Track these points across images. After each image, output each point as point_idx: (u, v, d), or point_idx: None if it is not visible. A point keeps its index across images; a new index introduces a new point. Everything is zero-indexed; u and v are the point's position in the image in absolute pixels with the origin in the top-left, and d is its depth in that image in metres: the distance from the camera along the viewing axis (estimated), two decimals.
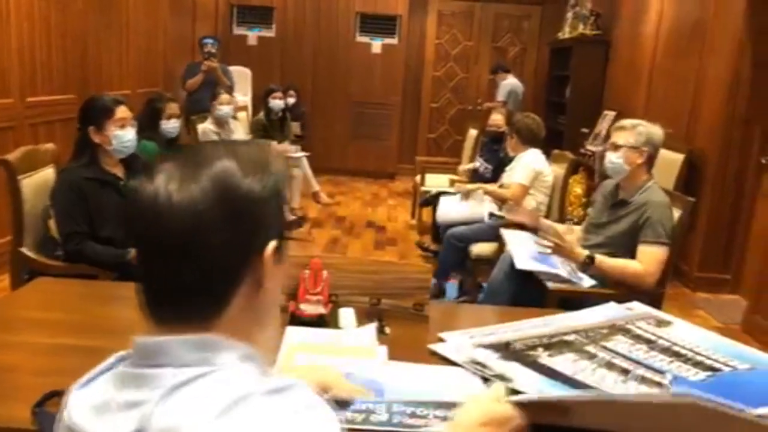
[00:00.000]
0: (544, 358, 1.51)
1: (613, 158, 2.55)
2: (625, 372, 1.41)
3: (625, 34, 6.10)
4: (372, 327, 1.59)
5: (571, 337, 1.64)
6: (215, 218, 0.69)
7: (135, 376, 0.69)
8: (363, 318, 1.65)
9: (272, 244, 0.73)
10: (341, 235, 5.38)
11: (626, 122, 2.64)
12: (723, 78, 4.19)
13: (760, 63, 4.04)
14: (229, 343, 0.70)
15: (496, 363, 1.47)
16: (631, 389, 1.32)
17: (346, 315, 1.64)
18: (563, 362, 1.47)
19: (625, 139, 2.53)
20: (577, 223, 4.23)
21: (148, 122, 3.28)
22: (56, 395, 1.18)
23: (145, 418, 0.65)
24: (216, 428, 0.63)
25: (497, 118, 4.44)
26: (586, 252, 2.48)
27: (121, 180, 2.47)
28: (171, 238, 0.68)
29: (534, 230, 2.90)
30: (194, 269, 0.69)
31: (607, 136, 5.88)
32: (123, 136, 2.46)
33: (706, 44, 4.44)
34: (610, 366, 1.45)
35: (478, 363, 1.48)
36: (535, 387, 1.34)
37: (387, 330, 1.60)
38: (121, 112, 2.48)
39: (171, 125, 3.45)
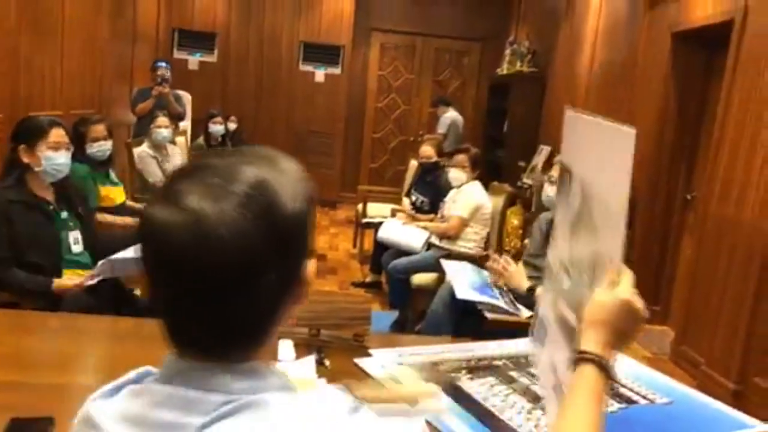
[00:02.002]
0: (464, 381, 1.55)
1: (550, 192, 2.62)
2: (536, 399, 1.45)
3: (559, 72, 6.35)
4: (311, 359, 1.56)
5: (499, 362, 1.68)
6: (268, 250, 0.65)
7: (177, 398, 0.66)
8: (302, 350, 1.62)
9: (311, 264, 0.72)
10: None
11: None
12: (651, 117, 4.40)
13: (684, 103, 4.27)
14: (271, 370, 0.70)
15: (412, 382, 1.48)
16: (531, 420, 1.38)
17: (285, 347, 1.61)
18: (479, 386, 1.53)
19: None
20: (515, 256, 4.32)
21: (75, 146, 3.18)
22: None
23: None
24: None
25: (427, 150, 4.49)
26: (529, 284, 2.52)
27: (51, 205, 2.37)
28: (218, 273, 0.63)
29: (475, 262, 2.94)
30: (245, 304, 0.66)
31: (544, 170, 6.08)
32: (55, 158, 2.37)
33: (635, 84, 4.66)
34: (524, 392, 1.49)
35: (396, 381, 1.49)
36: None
37: (327, 362, 1.57)
38: (57, 134, 2.39)
39: (97, 148, 3.33)
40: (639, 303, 0.92)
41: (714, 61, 3.99)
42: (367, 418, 0.69)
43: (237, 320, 0.66)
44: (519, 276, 2.56)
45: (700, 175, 3.70)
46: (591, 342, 0.91)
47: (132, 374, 0.73)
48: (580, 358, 0.91)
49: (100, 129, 3.32)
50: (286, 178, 0.69)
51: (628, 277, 0.93)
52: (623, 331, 0.91)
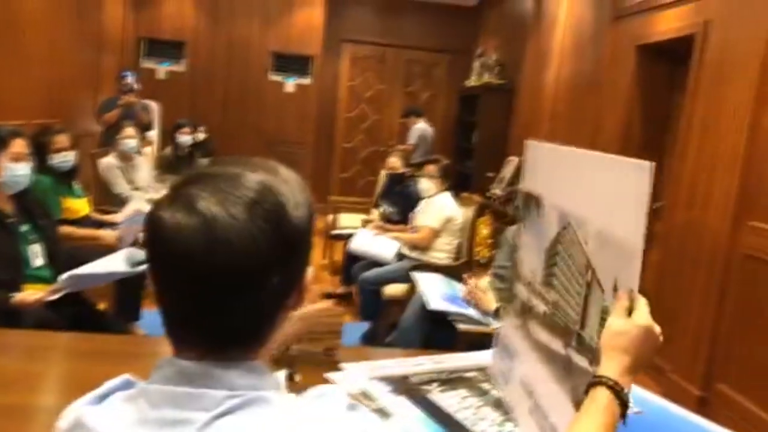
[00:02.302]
0: (435, 393, 1.55)
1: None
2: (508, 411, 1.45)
3: (527, 84, 6.43)
4: (281, 374, 1.54)
5: (470, 374, 1.68)
6: (273, 255, 0.67)
7: (181, 395, 0.67)
8: (271, 365, 1.58)
9: (310, 271, 0.75)
10: None
11: None
12: (617, 128, 4.47)
13: (649, 115, 4.36)
14: (269, 371, 0.72)
15: (383, 396, 1.48)
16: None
17: None
18: (451, 399, 1.53)
19: None
20: (485, 265, 4.33)
21: (35, 157, 3.10)
22: None
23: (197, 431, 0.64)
24: None
25: (394, 161, 4.50)
26: (495, 305, 2.53)
27: (9, 218, 2.30)
28: (225, 277, 0.66)
29: (447, 272, 2.94)
30: (249, 307, 0.68)
31: (514, 180, 6.13)
32: (15, 170, 2.32)
33: (601, 95, 4.74)
34: (496, 404, 1.49)
35: (366, 395, 1.47)
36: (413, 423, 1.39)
37: (297, 377, 1.55)
38: (18, 145, 2.34)
39: (59, 159, 3.25)
40: (657, 328, 0.93)
41: (677, 74, 4.08)
42: (366, 416, 0.71)
43: (241, 321, 0.69)
44: (487, 300, 2.57)
45: (666, 184, 3.76)
46: (610, 369, 0.91)
47: (113, 382, 0.74)
48: (596, 382, 0.91)
49: (62, 139, 3.24)
50: (289, 186, 0.72)
51: (644, 303, 0.94)
52: (643, 357, 0.92)
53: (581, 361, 1.07)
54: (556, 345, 1.20)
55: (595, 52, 4.89)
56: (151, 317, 3.44)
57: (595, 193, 1.07)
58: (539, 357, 1.30)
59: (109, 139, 5.01)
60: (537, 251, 1.35)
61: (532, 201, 1.41)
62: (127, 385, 0.74)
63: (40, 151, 3.10)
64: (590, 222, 1.07)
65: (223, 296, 0.67)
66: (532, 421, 1.28)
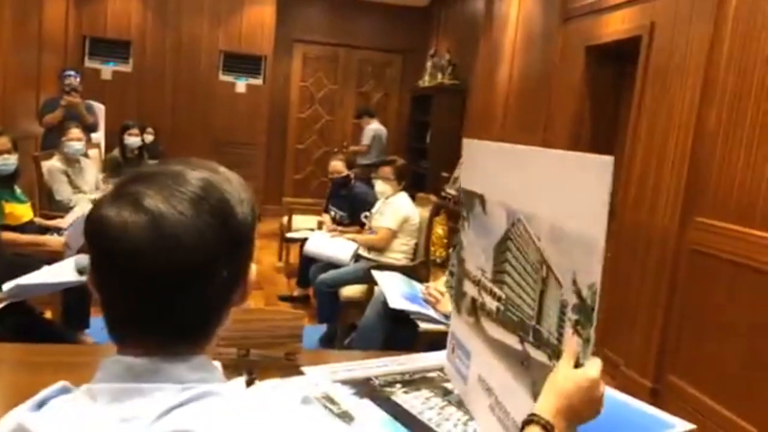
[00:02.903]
0: (399, 395, 1.54)
1: None
2: None
3: (480, 84, 6.50)
4: (241, 381, 1.49)
5: (433, 374, 1.67)
6: (220, 250, 0.68)
7: (130, 391, 0.66)
8: (230, 371, 1.54)
9: (254, 267, 0.76)
10: None
11: None
12: (567, 127, 4.56)
13: (598, 114, 4.46)
14: (215, 365, 0.73)
15: (347, 399, 1.46)
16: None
17: None
18: (415, 399, 1.52)
19: None
20: (440, 264, 4.35)
21: None
22: None
23: (149, 426, 0.63)
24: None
25: (337, 164, 4.47)
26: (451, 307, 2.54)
27: None
28: (174, 272, 0.66)
29: (404, 273, 2.93)
30: (196, 302, 0.69)
31: None
32: None
33: (552, 95, 4.83)
34: (460, 404, 1.49)
35: (330, 399, 1.45)
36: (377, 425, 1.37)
37: (257, 383, 1.51)
38: None
39: (1, 162, 3.12)
40: (602, 388, 0.93)
41: (625, 74, 4.19)
42: (318, 410, 0.72)
43: (188, 317, 0.70)
44: (445, 302, 2.58)
45: (616, 182, 3.85)
46: (545, 409, 0.92)
47: (50, 389, 0.72)
48: (529, 420, 0.92)
49: (3, 141, 3.11)
50: (232, 184, 0.73)
51: (597, 360, 0.94)
52: (579, 410, 0.92)
53: (540, 356, 1.07)
54: (511, 340, 1.19)
55: (546, 53, 4.98)
56: (99, 324, 3.32)
57: (547, 189, 1.06)
58: (495, 354, 1.29)
59: (50, 141, 4.83)
60: (484, 248, 1.34)
61: (476, 199, 1.40)
62: (64, 392, 0.73)
63: None
64: (541, 218, 1.06)
65: (172, 292, 0.67)
66: (493, 418, 1.28)
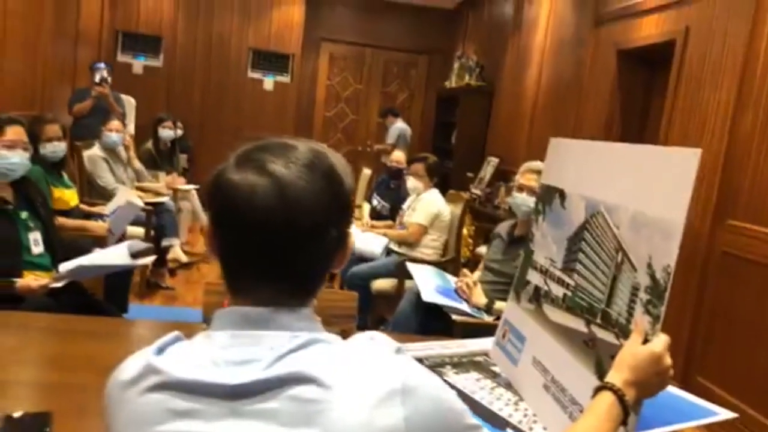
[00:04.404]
0: (450, 375, 1.60)
1: (524, 199, 2.65)
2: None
3: (507, 86, 6.54)
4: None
5: (479, 359, 1.73)
6: (331, 212, 0.76)
7: (246, 337, 0.74)
8: None
9: (352, 236, 0.83)
10: None
11: (539, 165, 2.74)
12: (596, 132, 4.59)
13: (628, 119, 4.49)
14: (317, 318, 0.80)
15: None
16: (520, 411, 1.43)
17: None
18: (465, 380, 1.57)
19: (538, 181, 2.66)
20: (465, 264, 4.39)
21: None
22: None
23: (266, 368, 0.71)
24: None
25: (399, 155, 4.56)
26: (485, 300, 2.59)
27: (9, 204, 2.27)
28: (292, 230, 0.73)
29: (438, 265, 2.99)
30: (307, 259, 0.76)
31: (492, 180, 6.22)
32: (9, 157, 2.28)
33: (581, 99, 4.86)
34: (509, 385, 1.55)
35: None
36: None
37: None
38: (13, 132, 2.31)
39: (52, 148, 3.22)
40: (668, 361, 0.99)
41: (657, 79, 4.22)
42: (411, 360, 0.78)
43: (299, 272, 0.77)
44: (478, 294, 2.63)
45: None
46: (615, 379, 0.98)
47: (166, 338, 0.78)
48: (601, 386, 0.98)
49: (55, 129, 3.21)
50: (335, 156, 0.82)
51: (664, 336, 1.00)
52: (648, 383, 0.98)
53: (607, 336, 1.14)
54: (576, 324, 1.27)
55: (576, 56, 5.01)
56: (136, 310, 3.41)
57: (632, 181, 1.15)
58: (556, 337, 1.36)
59: (79, 131, 4.94)
60: (557, 240, 1.42)
61: (555, 194, 1.47)
62: (178, 339, 0.79)
63: (32, 140, 3.06)
64: (623, 207, 1.15)
65: (288, 248, 0.74)
66: (548, 395, 1.34)
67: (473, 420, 0.80)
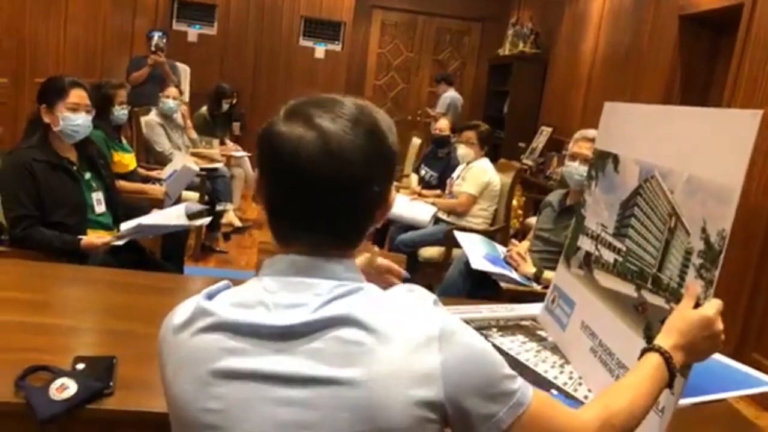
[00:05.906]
0: (495, 337, 1.62)
1: (577, 168, 2.60)
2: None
3: (562, 54, 6.37)
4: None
5: (526, 323, 1.74)
6: (375, 167, 0.78)
7: (295, 283, 0.78)
8: None
9: (393, 192, 0.86)
10: None
11: (593, 133, 2.68)
12: (655, 100, 4.44)
13: (689, 86, 4.33)
14: (359, 269, 0.83)
15: None
16: (565, 373, 1.44)
17: None
18: (511, 343, 1.59)
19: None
20: (514, 235, 4.36)
21: (98, 109, 3.17)
22: (38, 369, 1.13)
23: (313, 311, 0.74)
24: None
25: (443, 123, 4.53)
26: (533, 270, 2.57)
27: (74, 165, 2.37)
28: (337, 182, 0.75)
29: (486, 234, 2.97)
30: (352, 211, 0.79)
31: (544, 151, 6.12)
32: (73, 119, 2.36)
33: (640, 67, 4.71)
34: (554, 350, 1.55)
35: None
36: None
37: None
38: (77, 95, 2.38)
39: (122, 111, 3.41)
40: (720, 326, 0.97)
41: (720, 45, 4.04)
42: (447, 312, 0.80)
43: (344, 223, 0.80)
44: (526, 265, 2.61)
45: None
46: (663, 341, 0.97)
47: (216, 286, 0.82)
48: (649, 348, 0.98)
49: (122, 94, 3.40)
50: (381, 113, 0.84)
51: (716, 301, 0.98)
52: (697, 347, 0.97)
53: (657, 300, 1.13)
54: (627, 289, 1.26)
55: (636, 22, 4.84)
56: (191, 272, 3.54)
57: (689, 145, 1.12)
58: (605, 302, 1.36)
59: (136, 98, 5.06)
60: (609, 205, 1.40)
61: (609, 159, 1.45)
62: (228, 287, 0.83)
63: (104, 103, 3.19)
64: (678, 172, 1.13)
65: (333, 199, 0.77)
66: (594, 359, 1.34)
67: (510, 370, 0.82)
